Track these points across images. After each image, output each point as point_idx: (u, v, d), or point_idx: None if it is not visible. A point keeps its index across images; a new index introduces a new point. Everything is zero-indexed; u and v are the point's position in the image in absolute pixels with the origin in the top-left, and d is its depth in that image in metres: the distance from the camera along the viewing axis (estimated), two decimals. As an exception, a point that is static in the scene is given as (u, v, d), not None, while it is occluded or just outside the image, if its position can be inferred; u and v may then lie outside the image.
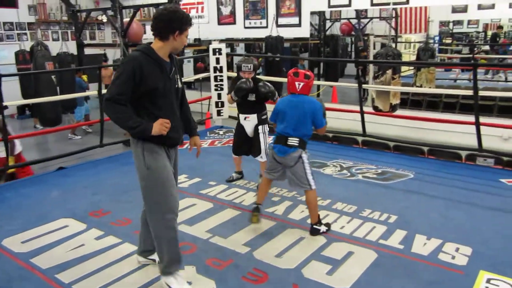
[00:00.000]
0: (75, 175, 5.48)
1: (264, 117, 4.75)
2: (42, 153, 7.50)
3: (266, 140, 4.71)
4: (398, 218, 3.99)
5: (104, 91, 6.51)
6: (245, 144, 4.84)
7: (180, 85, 2.94)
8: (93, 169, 5.70)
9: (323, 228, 3.74)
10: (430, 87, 7.71)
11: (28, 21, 11.22)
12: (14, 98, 6.79)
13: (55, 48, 8.59)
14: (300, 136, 3.73)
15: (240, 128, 4.85)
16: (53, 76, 6.91)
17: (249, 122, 4.75)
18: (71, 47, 8.91)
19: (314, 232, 3.71)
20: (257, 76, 4.91)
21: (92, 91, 6.83)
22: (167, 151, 2.91)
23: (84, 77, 8.52)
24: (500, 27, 12.08)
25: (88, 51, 9.82)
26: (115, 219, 4.10)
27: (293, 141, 3.70)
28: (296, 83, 3.71)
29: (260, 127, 4.71)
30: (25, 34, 11.24)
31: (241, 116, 4.81)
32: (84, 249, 3.55)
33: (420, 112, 8.06)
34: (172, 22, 2.66)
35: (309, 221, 3.79)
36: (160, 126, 2.68)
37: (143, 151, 2.80)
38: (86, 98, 8.62)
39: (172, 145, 2.95)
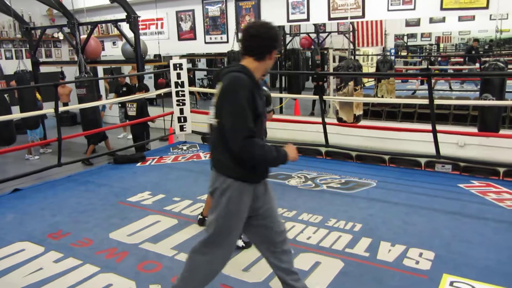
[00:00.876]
0: (31, 196, 5.24)
1: None
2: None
3: None
4: (362, 226, 4.04)
5: (61, 108, 6.32)
6: None
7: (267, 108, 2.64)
8: (51, 189, 5.47)
9: None
10: (391, 98, 7.93)
11: (-21, 39, 10.80)
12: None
13: (7, 66, 8.29)
14: None
15: None
16: (6, 95, 6.64)
17: None
18: (26, 65, 8.62)
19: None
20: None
21: (48, 109, 6.58)
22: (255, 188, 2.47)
23: (38, 96, 8.22)
24: (476, 40, 12.47)
25: (44, 69, 9.53)
26: (75, 240, 3.94)
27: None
28: None
29: None
30: (-24, 53, 10.80)
31: None
32: (42, 273, 3.38)
33: (380, 122, 8.28)
34: (272, 40, 2.38)
35: None
36: (293, 151, 2.42)
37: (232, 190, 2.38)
38: (42, 118, 8.30)
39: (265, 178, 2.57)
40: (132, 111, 7.11)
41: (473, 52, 11.93)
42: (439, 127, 5.57)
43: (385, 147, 6.96)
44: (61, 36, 12.10)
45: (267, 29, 2.35)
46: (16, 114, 6.63)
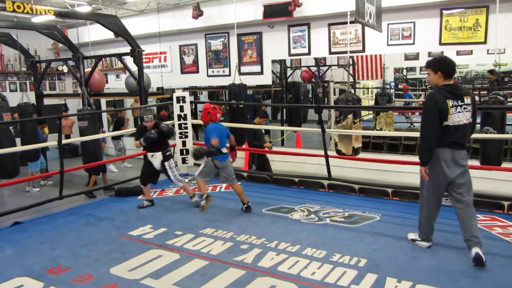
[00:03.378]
0: (31, 229, 5.19)
1: (168, 153, 5.92)
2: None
3: (173, 172, 5.92)
4: (367, 262, 3.97)
5: (65, 141, 6.34)
6: (152, 176, 5.98)
7: None
8: (51, 222, 5.42)
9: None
10: (389, 130, 7.98)
11: (-15, 73, 10.97)
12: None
13: (12, 99, 8.39)
14: (225, 147, 5.43)
15: (148, 163, 5.88)
16: (11, 127, 6.69)
17: (156, 158, 5.82)
18: (31, 98, 8.72)
19: (249, 209, 5.50)
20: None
21: (52, 142, 6.61)
22: None
23: (46, 129, 8.28)
24: (491, 71, 12.42)
25: (47, 101, 9.64)
26: (76, 275, 3.87)
27: (224, 150, 5.41)
28: (218, 115, 5.47)
29: (166, 163, 5.87)
30: (-18, 85, 10.96)
31: (149, 154, 5.85)
32: (40, 310, 3.31)
33: (381, 155, 8.29)
34: None
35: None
36: None
37: None
38: (44, 150, 8.33)
39: None
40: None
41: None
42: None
43: (387, 179, 6.94)
44: (65, 69, 12.31)
45: None
46: (21, 146, 6.66)
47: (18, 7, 5.97)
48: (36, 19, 8.63)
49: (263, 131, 8.32)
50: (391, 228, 4.86)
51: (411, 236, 4.49)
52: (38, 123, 7.96)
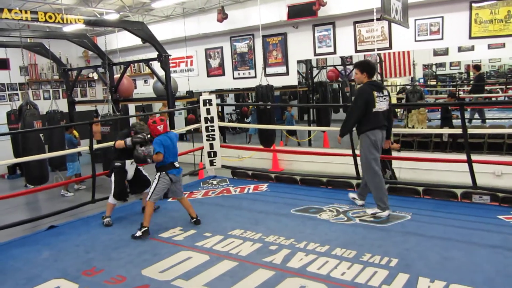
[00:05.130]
0: (66, 233, 5.35)
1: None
2: (32, 213, 7.35)
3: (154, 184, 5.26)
4: (399, 261, 3.90)
5: (96, 146, 6.50)
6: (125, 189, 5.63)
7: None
8: (85, 226, 5.57)
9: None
10: (422, 128, 7.82)
11: (20, 82, 11.40)
12: (6, 158, 6.78)
13: (45, 107, 8.68)
14: (177, 160, 5.21)
15: (122, 174, 5.52)
16: (41, 135, 6.90)
17: (132, 166, 5.59)
18: (63, 105, 9.01)
19: (198, 222, 5.21)
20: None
21: (84, 147, 6.80)
22: None
23: (75, 133, 8.53)
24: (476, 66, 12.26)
25: (79, 107, 9.93)
26: (109, 277, 3.97)
27: (177, 164, 5.18)
28: (158, 127, 5.11)
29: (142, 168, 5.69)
30: (17, 94, 11.38)
31: (128, 162, 5.51)
32: (76, 311, 3.41)
33: (411, 153, 8.12)
34: None
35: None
36: None
37: None
38: (78, 154, 8.58)
39: None
40: None
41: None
42: (474, 157, 5.41)
43: (417, 178, 6.79)
44: (95, 76, 12.65)
45: None
46: (49, 153, 6.86)
47: (50, 17, 6.18)
48: (67, 29, 8.92)
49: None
50: (422, 227, 4.75)
51: (370, 212, 5.21)
52: (66, 129, 8.16)
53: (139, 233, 4.91)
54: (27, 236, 5.41)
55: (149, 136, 5.24)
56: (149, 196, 5.08)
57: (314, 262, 3.99)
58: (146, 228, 4.96)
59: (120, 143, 5.34)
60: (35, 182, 7.06)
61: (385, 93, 5.12)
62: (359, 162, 6.15)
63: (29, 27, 9.36)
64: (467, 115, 10.64)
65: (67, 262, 4.40)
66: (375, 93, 4.98)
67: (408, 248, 4.22)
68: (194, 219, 5.27)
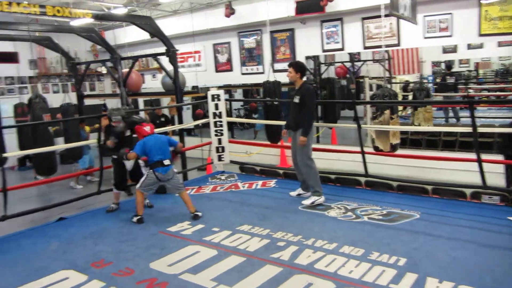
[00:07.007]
0: (75, 225, 5.40)
1: None
2: (42, 204, 7.39)
3: (144, 175, 5.45)
4: (407, 261, 3.89)
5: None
6: (125, 179, 5.91)
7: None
8: (94, 218, 5.61)
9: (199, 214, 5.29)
10: (428, 126, 7.78)
11: (29, 75, 11.45)
12: (13, 150, 6.89)
13: (55, 100, 8.73)
14: (169, 158, 5.28)
15: (119, 165, 5.76)
16: (50, 127, 6.96)
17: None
18: (72, 98, 9.02)
19: (197, 217, 5.27)
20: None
21: (92, 140, 6.85)
22: None
23: (87, 128, 8.58)
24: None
25: (88, 101, 9.96)
26: (117, 269, 4.00)
27: (167, 162, 5.25)
28: (145, 128, 5.37)
29: (141, 162, 5.71)
30: (26, 87, 11.45)
31: None
32: (85, 303, 3.44)
33: (420, 151, 8.08)
34: None
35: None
36: None
37: None
38: (88, 147, 8.65)
39: None
40: None
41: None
42: (483, 156, 5.37)
43: (426, 177, 6.76)
44: (104, 70, 12.70)
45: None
46: (64, 145, 6.93)
47: (58, 11, 6.20)
48: (75, 23, 8.92)
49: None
50: (431, 226, 4.73)
51: (308, 202, 5.58)
52: (79, 122, 8.23)
53: (134, 219, 5.29)
54: (36, 227, 5.47)
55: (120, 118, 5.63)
56: (137, 185, 5.35)
57: (322, 259, 3.99)
58: (140, 216, 5.30)
59: (109, 143, 5.71)
60: (44, 173, 7.16)
61: None
62: (367, 160, 6.16)
63: (37, 21, 9.37)
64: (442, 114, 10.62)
65: (76, 253, 4.44)
66: None
67: (417, 247, 4.21)
68: (193, 214, 5.32)
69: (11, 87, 11.23)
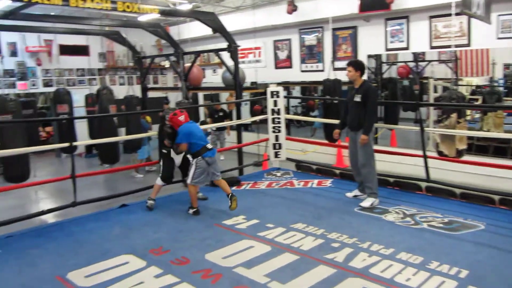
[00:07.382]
0: (136, 212, 5.65)
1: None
2: (106, 190, 7.82)
3: (193, 170, 5.46)
4: (469, 273, 3.70)
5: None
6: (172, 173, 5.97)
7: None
8: (154, 207, 5.82)
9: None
10: (498, 132, 7.32)
11: (98, 67, 12.09)
12: (83, 138, 7.38)
13: (121, 92, 9.14)
14: (208, 142, 5.53)
15: (170, 160, 5.86)
16: (115, 118, 7.31)
17: (180, 154, 5.81)
18: (137, 90, 9.42)
19: (233, 198, 5.28)
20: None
21: (154, 132, 7.11)
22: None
23: (148, 118, 8.92)
24: None
25: (151, 94, 10.35)
26: (174, 257, 4.14)
27: (210, 145, 5.47)
28: (180, 117, 5.46)
29: (191, 158, 5.61)
30: (95, 79, 12.09)
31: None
32: (143, 287, 3.59)
33: (487, 158, 7.62)
34: None
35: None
36: None
37: None
38: (149, 138, 8.98)
39: None
40: None
41: None
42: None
43: (493, 186, 6.37)
44: (167, 64, 13.10)
45: None
46: (125, 136, 7.27)
47: (128, 7, 6.47)
48: (142, 18, 9.28)
49: None
50: (497, 239, 4.46)
51: (366, 204, 5.49)
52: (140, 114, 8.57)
53: (190, 211, 5.46)
54: (101, 212, 5.80)
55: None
56: (189, 180, 5.45)
57: (378, 264, 3.90)
58: (196, 208, 5.46)
59: (166, 143, 5.78)
60: (108, 162, 7.55)
61: None
62: (430, 165, 5.92)
63: (108, 16, 9.85)
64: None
65: (136, 239, 4.65)
66: None
67: (480, 260, 3.99)
68: (230, 194, 5.37)
69: (81, 79, 11.91)
